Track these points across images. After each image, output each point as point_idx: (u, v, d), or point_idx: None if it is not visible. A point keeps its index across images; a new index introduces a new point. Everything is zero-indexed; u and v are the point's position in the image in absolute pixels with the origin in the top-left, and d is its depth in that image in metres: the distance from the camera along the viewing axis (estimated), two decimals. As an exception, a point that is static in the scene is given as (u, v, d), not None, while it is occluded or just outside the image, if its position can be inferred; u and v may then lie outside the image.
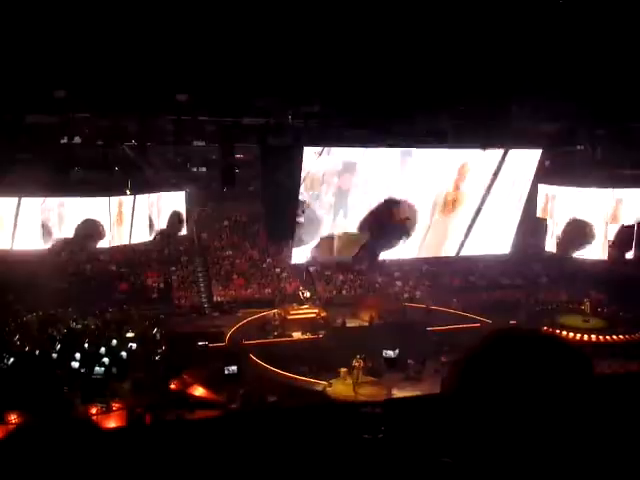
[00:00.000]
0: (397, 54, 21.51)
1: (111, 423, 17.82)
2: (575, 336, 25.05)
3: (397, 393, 20.10)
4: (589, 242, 25.90)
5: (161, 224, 27.67)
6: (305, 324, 26.86)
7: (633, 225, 26.42)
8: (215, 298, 29.79)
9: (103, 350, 21.99)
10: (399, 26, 20.38)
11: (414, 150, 25.07)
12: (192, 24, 19.91)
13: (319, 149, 23.47)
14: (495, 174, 27.89)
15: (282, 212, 27.22)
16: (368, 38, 20.69)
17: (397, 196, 25.23)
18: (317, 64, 21.65)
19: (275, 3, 19.43)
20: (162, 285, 29.05)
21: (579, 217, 26.33)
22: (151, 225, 26.92)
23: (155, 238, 26.42)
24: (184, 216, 28.09)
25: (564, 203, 27.23)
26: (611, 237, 25.97)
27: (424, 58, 21.89)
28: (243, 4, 19.31)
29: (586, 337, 25.02)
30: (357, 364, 21.10)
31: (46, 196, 25.17)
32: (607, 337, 25.04)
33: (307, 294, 28.96)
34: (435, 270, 31.27)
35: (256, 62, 22.02)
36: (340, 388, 20.68)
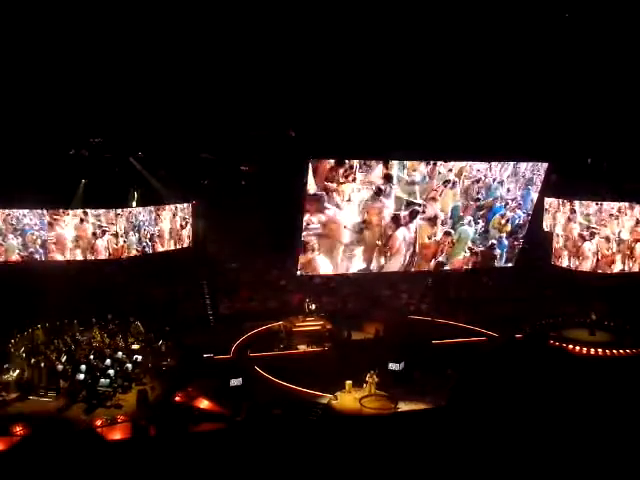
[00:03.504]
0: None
1: (116, 435, 17.80)
2: (581, 349, 24.96)
3: (403, 406, 20.03)
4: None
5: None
6: (310, 336, 26.83)
7: None
8: (220, 310, 29.77)
9: (108, 362, 22.00)
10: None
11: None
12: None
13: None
14: (501, 186, 28.15)
15: (287, 224, 27.34)
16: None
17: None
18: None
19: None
20: (168, 297, 29.03)
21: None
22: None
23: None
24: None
25: (571, 216, 27.31)
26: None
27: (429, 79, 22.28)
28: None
29: (592, 351, 24.90)
30: (370, 379, 21.01)
31: (51, 208, 25.35)
32: (613, 351, 24.90)
33: (312, 306, 28.97)
34: (440, 283, 31.22)
35: (263, 81, 22.33)
36: (346, 401, 20.61)
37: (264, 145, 27.38)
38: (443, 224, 28.20)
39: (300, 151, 25.73)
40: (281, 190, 28.25)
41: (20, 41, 20.20)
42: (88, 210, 25.25)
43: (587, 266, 26.62)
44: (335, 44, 21.41)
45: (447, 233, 28.39)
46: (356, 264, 27.91)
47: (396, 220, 27.41)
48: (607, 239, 26.01)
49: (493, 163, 27.53)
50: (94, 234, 25.34)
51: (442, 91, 23.75)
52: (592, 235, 26.40)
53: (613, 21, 20.85)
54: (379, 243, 27.62)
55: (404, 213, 27.34)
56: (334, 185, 25.87)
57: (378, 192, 26.52)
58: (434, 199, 27.54)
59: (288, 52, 21.73)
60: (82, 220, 25.26)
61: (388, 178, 26.40)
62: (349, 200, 26.33)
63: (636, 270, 26.56)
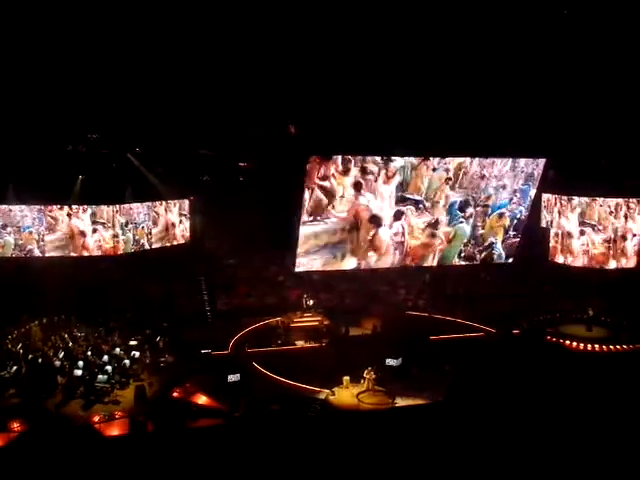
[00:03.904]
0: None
1: (114, 431, 17.82)
2: (578, 345, 25.01)
3: (400, 402, 20.06)
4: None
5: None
6: (308, 332, 26.86)
7: None
8: (218, 306, 29.78)
9: (106, 358, 22.00)
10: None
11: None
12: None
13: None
14: (500, 182, 28.15)
15: (285, 220, 27.33)
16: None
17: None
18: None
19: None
20: (165, 293, 29.05)
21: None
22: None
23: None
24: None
25: (569, 212, 27.37)
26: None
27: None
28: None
29: (589, 346, 24.96)
30: (368, 376, 21.03)
31: (51, 204, 25.37)
32: (610, 347, 24.97)
33: (310, 302, 28.99)
34: (438, 279, 31.23)
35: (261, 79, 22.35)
36: (343, 396, 20.64)
37: (263, 142, 27.36)
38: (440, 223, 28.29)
39: (299, 148, 25.72)
40: (279, 186, 28.22)
41: (17, 38, 20.16)
42: (85, 206, 25.31)
43: (577, 263, 26.86)
44: (334, 41, 21.39)
45: (433, 235, 28.34)
46: (347, 263, 27.99)
47: (376, 220, 27.36)
48: (608, 238, 26.18)
49: (491, 159, 27.53)
50: (82, 232, 25.43)
51: (439, 88, 23.74)
52: (582, 233, 26.59)
53: (607, 17, 20.85)
54: (368, 238, 27.53)
55: (390, 212, 27.33)
56: (326, 183, 25.85)
57: (357, 186, 26.44)
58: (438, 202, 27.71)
59: (286, 49, 21.70)
60: (70, 215, 25.33)
61: (364, 171, 26.22)
62: (342, 196, 26.34)
63: (630, 266, 26.71)
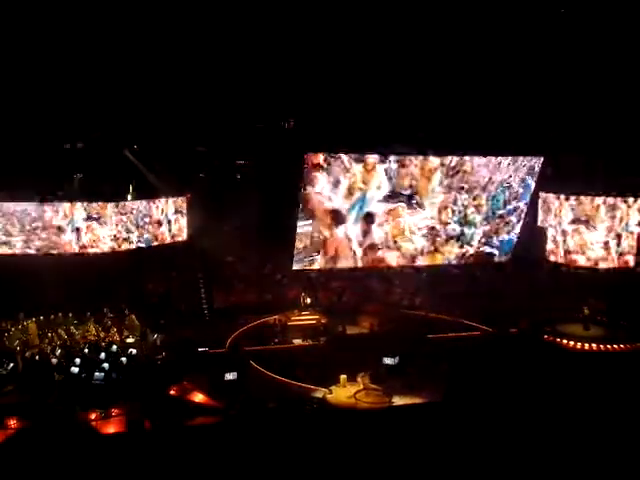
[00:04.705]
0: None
1: (110, 429, 17.77)
2: (575, 344, 25.01)
3: (397, 401, 20.04)
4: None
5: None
6: (306, 330, 26.83)
7: None
8: (216, 304, 29.72)
9: (103, 355, 21.95)
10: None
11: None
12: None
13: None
14: (504, 176, 28.20)
15: (283, 218, 27.33)
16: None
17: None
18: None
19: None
20: (162, 290, 28.99)
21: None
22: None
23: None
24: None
25: (564, 210, 27.44)
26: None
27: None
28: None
29: (587, 346, 24.96)
30: (361, 379, 20.99)
31: (48, 201, 25.31)
32: (607, 346, 24.97)
33: (308, 300, 28.97)
34: (435, 277, 31.21)
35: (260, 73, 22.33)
36: (340, 395, 20.62)
37: (260, 138, 27.35)
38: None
39: (296, 144, 25.70)
40: (277, 184, 28.22)
41: (16, 35, 20.16)
42: (82, 203, 25.30)
43: (573, 262, 27.04)
44: (331, 37, 21.40)
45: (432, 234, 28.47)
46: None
47: (338, 217, 27.31)
48: (602, 236, 26.27)
49: (490, 157, 27.57)
50: (60, 228, 25.42)
51: (435, 85, 23.78)
52: (577, 231, 26.72)
53: (601, 15, 20.92)
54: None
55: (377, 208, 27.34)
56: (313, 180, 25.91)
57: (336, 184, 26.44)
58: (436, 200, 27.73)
59: (283, 45, 21.71)
60: (57, 211, 25.36)
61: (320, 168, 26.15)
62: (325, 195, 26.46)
63: (627, 266, 26.75)
